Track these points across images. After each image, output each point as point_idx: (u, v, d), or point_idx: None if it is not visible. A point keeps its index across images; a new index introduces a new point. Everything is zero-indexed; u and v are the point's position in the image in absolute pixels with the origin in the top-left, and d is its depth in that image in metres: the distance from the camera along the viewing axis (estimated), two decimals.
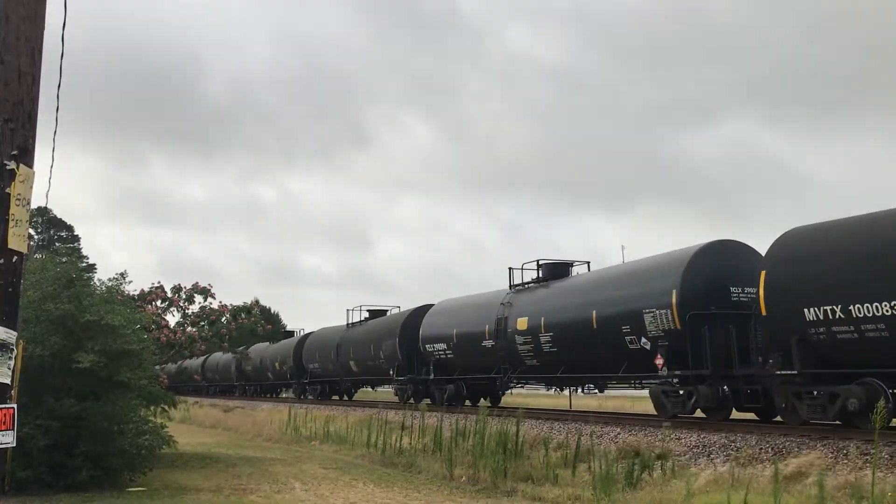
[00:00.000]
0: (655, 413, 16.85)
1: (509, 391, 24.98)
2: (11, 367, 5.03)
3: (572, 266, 21.24)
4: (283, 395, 44.18)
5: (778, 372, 13.02)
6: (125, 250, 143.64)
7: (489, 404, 21.00)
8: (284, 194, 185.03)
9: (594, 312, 17.32)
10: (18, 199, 4.46)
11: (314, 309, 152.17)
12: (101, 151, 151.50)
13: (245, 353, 30.59)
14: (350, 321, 32.94)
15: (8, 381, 5.00)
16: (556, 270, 21.05)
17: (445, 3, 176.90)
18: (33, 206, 4.74)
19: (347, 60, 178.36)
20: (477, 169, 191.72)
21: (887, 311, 11.21)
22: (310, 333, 38.74)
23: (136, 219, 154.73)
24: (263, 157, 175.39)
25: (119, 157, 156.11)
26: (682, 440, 13.23)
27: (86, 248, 68.82)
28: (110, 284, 14.27)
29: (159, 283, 20.54)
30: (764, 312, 13.28)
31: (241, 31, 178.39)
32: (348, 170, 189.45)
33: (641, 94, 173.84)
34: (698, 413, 15.69)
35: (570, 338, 18.29)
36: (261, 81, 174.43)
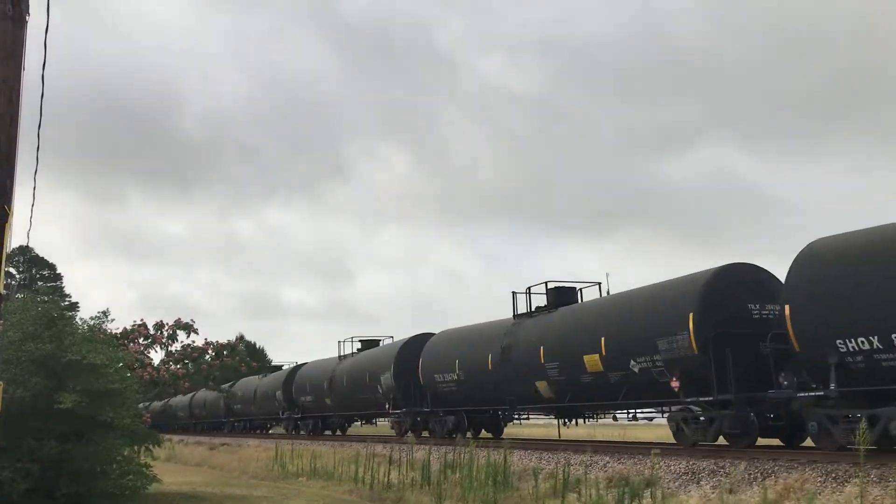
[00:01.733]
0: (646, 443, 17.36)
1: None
2: None
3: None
4: (271, 431, 43.66)
5: None
6: (104, 288, 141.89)
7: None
8: (264, 228, 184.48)
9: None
10: None
11: (299, 342, 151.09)
12: (78, 188, 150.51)
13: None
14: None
15: None
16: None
17: (418, 37, 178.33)
18: (14, 244, 4.72)
19: (323, 94, 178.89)
20: (456, 199, 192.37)
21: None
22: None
23: (115, 256, 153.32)
24: (242, 192, 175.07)
25: (96, 194, 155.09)
26: (671, 467, 13.18)
27: (65, 286, 68.11)
28: (92, 323, 14.14)
29: (142, 320, 20.38)
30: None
31: (215, 67, 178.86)
32: (328, 202, 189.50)
33: (617, 122, 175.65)
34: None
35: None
36: (237, 116, 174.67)
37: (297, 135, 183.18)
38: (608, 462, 14.63)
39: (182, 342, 20.52)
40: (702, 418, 15.41)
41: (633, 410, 18.42)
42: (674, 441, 16.42)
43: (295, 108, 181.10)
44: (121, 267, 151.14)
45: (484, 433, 24.09)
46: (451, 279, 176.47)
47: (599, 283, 19.92)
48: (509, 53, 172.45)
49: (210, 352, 21.30)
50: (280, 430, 43.08)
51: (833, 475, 10.74)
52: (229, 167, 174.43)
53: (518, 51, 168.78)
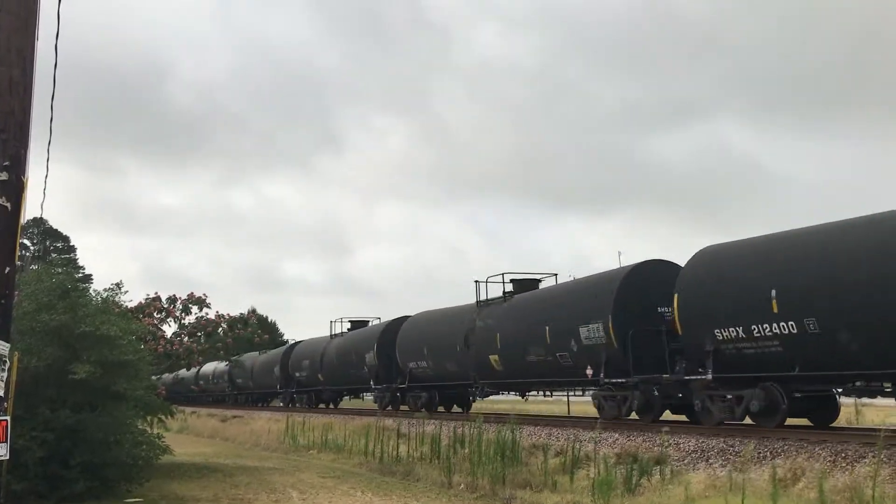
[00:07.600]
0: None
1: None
2: (6, 378, 5.02)
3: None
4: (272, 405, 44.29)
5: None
6: (105, 260, 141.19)
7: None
8: (262, 201, 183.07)
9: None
10: None
11: (303, 317, 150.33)
12: (70, 159, 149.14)
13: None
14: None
15: (2, 392, 4.99)
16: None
17: (410, 8, 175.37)
18: (28, 215, 4.74)
19: (313, 65, 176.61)
20: (455, 174, 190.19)
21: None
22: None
23: (113, 227, 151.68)
24: (237, 164, 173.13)
25: (89, 165, 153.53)
26: (681, 445, 13.21)
27: (78, 258, 68.43)
28: (106, 295, 14.24)
29: (156, 293, 20.49)
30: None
31: (204, 37, 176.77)
32: (323, 175, 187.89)
33: (618, 96, 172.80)
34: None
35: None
36: (230, 88, 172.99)
37: (289, 106, 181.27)
38: (617, 439, 14.68)
39: (196, 315, 20.63)
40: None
41: None
42: (686, 420, 16.47)
43: (287, 81, 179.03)
44: (120, 238, 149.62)
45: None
46: (451, 254, 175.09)
47: None
48: (505, 23, 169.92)
49: (223, 325, 21.41)
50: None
51: (843, 454, 10.74)
52: (223, 139, 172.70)
53: (515, 23, 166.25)
